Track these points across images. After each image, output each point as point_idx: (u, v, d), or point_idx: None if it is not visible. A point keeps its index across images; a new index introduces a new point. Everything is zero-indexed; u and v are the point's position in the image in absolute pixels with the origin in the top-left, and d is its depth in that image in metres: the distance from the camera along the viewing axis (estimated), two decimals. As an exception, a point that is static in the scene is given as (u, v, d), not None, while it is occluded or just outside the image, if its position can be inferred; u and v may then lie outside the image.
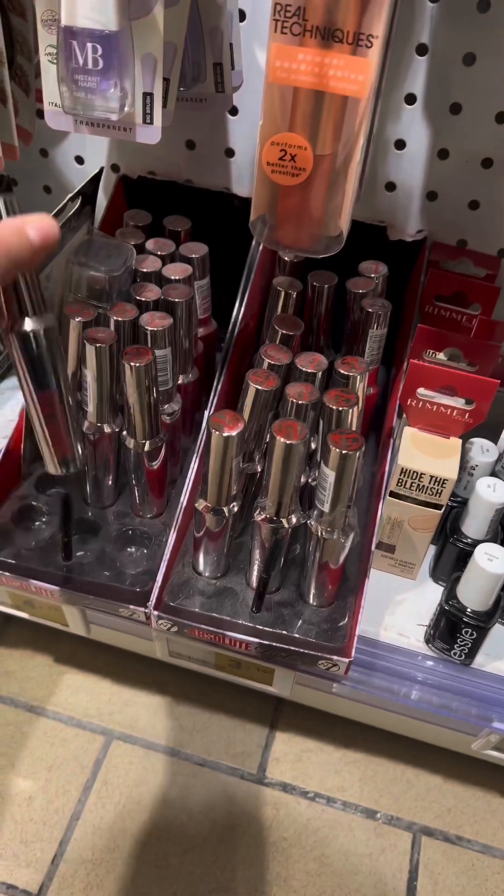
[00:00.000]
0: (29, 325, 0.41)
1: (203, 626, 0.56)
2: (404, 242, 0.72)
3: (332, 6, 0.44)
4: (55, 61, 0.52)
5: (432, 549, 0.68)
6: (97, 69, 0.50)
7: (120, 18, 0.50)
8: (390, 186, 0.69)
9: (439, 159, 0.67)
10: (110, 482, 0.63)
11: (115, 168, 0.76)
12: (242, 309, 0.67)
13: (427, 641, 0.62)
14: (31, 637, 0.84)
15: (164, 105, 0.56)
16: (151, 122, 0.55)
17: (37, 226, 0.38)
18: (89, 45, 0.49)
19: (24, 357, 0.42)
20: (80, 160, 0.77)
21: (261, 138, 0.49)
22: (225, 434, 0.50)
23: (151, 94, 0.54)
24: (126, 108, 0.54)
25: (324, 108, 0.48)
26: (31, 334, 0.41)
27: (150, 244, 0.65)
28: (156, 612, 0.57)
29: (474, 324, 0.67)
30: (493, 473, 0.64)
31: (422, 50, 0.61)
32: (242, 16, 0.63)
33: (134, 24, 0.51)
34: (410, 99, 0.64)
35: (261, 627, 0.57)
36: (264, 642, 0.56)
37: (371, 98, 0.48)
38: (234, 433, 0.50)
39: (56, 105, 0.54)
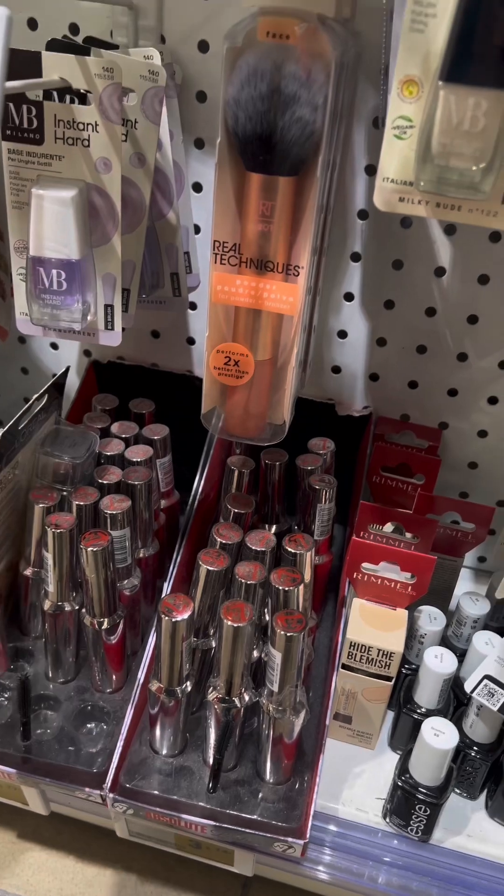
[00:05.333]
0: None
1: (158, 809, 0.56)
2: (352, 417, 0.77)
3: (262, 244, 0.51)
4: (25, 280, 0.59)
5: (391, 716, 0.69)
6: (62, 290, 0.57)
7: (82, 248, 0.57)
8: (336, 369, 0.76)
9: (378, 346, 0.74)
10: (70, 658, 0.65)
11: (87, 353, 0.83)
12: (202, 483, 0.71)
13: (384, 816, 0.62)
14: (-7, 811, 0.82)
15: (126, 310, 0.63)
16: (113, 329, 0.61)
17: None
18: (54, 271, 0.56)
19: None
20: (54, 346, 0.83)
21: (207, 346, 0.55)
22: (174, 619, 0.53)
23: (112, 306, 0.60)
24: (89, 318, 0.60)
25: (261, 323, 0.54)
26: None
27: (115, 427, 0.70)
28: (111, 795, 0.57)
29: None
30: (443, 640, 0.66)
31: (356, 257, 0.69)
32: (198, 229, 0.71)
33: (95, 249, 0.58)
34: (349, 297, 0.71)
35: (217, 809, 0.57)
36: (218, 825, 0.56)
37: (303, 311, 0.54)
38: (183, 617, 0.53)
39: (26, 314, 0.60)
